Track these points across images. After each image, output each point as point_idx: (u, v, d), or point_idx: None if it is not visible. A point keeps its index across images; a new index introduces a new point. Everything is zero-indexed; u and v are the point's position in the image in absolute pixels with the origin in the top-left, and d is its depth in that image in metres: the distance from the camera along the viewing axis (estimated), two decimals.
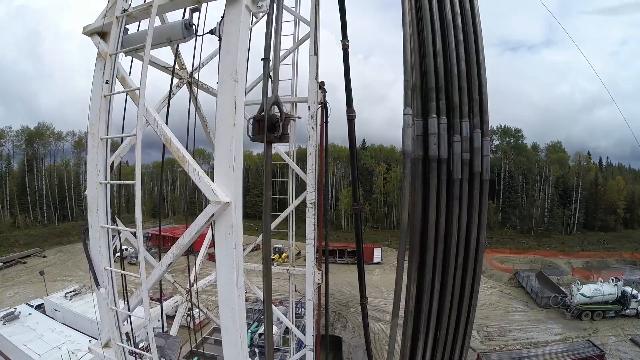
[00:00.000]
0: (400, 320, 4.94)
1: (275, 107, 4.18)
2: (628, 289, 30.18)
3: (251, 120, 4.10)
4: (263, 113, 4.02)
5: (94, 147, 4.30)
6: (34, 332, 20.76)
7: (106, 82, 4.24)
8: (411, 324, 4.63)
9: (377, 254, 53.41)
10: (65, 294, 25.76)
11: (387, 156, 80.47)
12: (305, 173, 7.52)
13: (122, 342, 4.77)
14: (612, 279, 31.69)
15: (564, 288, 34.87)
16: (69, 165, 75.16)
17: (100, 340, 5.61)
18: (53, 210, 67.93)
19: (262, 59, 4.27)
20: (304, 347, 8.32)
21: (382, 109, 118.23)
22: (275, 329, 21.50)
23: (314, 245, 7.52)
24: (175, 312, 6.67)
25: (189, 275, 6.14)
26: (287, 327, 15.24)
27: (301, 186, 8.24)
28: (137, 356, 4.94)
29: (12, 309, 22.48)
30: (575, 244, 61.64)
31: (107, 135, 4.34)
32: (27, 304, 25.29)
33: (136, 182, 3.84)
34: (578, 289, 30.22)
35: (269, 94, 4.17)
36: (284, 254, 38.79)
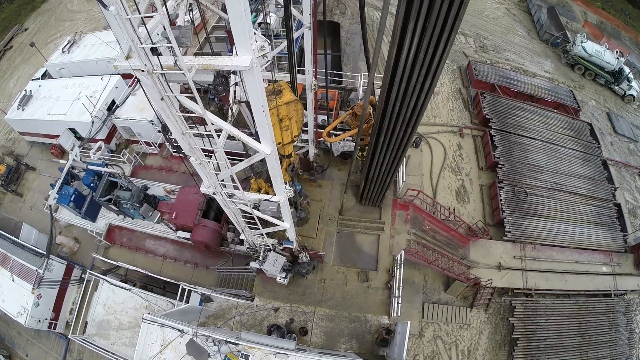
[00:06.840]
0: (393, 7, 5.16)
1: None
2: (627, 69, 29.24)
3: None
4: None
5: None
6: (51, 98, 20.95)
7: None
8: (404, 7, 4.93)
9: None
10: (62, 49, 24.40)
11: None
12: None
13: (142, 44, 5.22)
14: (617, 52, 29.92)
15: (569, 33, 33.69)
16: None
17: (122, 53, 6.15)
18: None
19: None
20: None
21: None
22: (273, 17, 20.79)
23: None
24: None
25: None
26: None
27: None
28: (158, 56, 5.54)
29: (23, 92, 22.02)
30: None
31: None
32: (32, 79, 24.32)
33: None
34: (582, 41, 29.33)
35: None
36: None
